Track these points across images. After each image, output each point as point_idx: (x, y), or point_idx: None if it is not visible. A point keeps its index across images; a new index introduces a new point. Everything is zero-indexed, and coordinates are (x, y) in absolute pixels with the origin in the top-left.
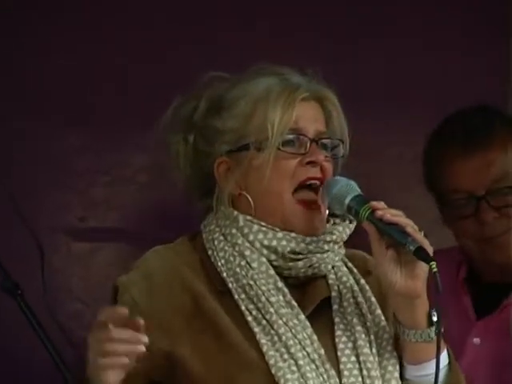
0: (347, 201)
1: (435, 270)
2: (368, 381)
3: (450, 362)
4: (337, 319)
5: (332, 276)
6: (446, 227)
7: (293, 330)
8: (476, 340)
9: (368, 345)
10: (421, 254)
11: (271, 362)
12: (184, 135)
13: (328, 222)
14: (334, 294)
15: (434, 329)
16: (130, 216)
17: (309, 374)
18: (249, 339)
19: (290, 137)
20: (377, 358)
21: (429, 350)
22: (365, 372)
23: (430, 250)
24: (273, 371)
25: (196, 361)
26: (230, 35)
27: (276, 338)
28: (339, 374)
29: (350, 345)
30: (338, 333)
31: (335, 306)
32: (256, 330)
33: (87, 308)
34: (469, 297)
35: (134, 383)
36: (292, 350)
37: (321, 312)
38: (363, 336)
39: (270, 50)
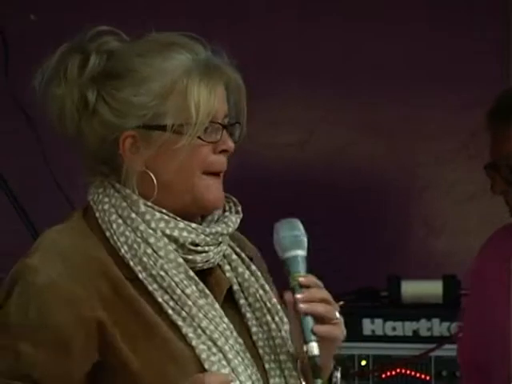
0: (286, 255)
1: None
2: (292, 380)
3: None
4: (248, 315)
5: (227, 267)
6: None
7: (213, 322)
8: None
9: (285, 342)
10: (311, 365)
11: (203, 356)
12: (80, 94)
13: None
14: (235, 287)
15: None
16: None
17: (239, 369)
18: (174, 331)
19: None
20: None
21: None
22: (286, 372)
23: (332, 341)
24: (206, 366)
25: (128, 354)
26: None
27: (200, 331)
28: (265, 373)
29: (269, 342)
30: (254, 329)
31: (242, 301)
32: (180, 323)
33: None
34: None
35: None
36: (219, 343)
37: (227, 304)
38: (279, 334)
39: None
